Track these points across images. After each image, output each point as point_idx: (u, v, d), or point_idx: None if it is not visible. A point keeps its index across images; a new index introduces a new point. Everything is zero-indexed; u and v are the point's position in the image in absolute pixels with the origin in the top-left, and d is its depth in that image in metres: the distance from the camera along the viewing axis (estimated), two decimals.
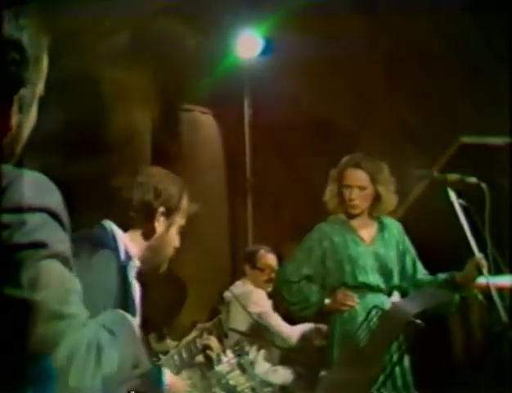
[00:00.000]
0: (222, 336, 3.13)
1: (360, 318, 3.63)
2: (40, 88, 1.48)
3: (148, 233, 2.64)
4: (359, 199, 4.05)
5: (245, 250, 5.92)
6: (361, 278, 4.01)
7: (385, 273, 4.07)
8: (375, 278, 4.03)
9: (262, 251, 5.47)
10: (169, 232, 2.68)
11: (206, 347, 2.98)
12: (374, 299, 3.95)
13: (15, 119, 1.40)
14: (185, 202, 2.73)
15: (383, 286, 4.05)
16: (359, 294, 4.00)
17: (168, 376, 2.58)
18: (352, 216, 4.11)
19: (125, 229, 2.62)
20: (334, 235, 4.08)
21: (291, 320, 5.08)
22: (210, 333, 3.01)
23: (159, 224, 2.65)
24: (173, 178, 2.75)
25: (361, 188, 4.04)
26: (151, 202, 2.63)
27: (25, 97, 1.41)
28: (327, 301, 4.05)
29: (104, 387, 1.28)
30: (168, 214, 2.66)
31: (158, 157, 6.15)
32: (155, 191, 2.64)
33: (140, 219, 2.63)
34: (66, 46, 4.99)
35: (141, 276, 2.64)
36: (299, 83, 6.70)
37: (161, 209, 2.65)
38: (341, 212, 4.14)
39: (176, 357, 2.80)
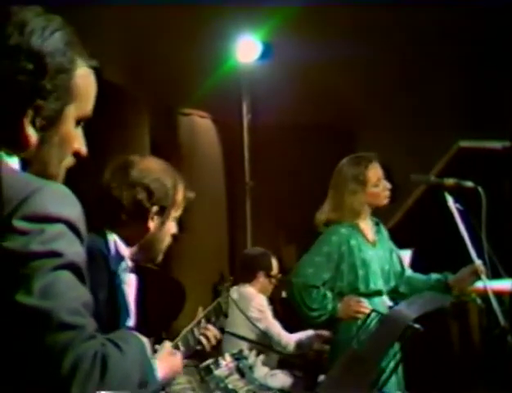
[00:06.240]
0: (221, 320, 2.91)
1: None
2: (80, 106, 1.45)
3: (141, 233, 2.52)
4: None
5: (252, 254, 5.39)
6: (372, 285, 3.94)
7: (385, 275, 4.04)
8: (380, 282, 4.01)
9: (273, 259, 5.21)
10: (164, 227, 2.56)
11: (203, 334, 2.76)
12: (380, 302, 3.93)
13: (33, 135, 1.38)
14: (180, 195, 2.59)
15: (384, 289, 4.03)
16: (368, 298, 3.92)
17: (160, 368, 2.31)
18: (367, 214, 4.04)
19: (115, 228, 2.49)
20: (350, 238, 3.97)
21: (291, 326, 5.08)
22: (209, 320, 2.82)
23: (153, 223, 2.52)
24: (167, 172, 2.57)
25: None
26: (143, 203, 2.49)
27: (45, 110, 1.38)
28: (338, 308, 3.91)
29: None
30: (162, 211, 2.53)
31: None
32: (148, 191, 2.49)
33: (131, 219, 2.49)
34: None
35: (137, 271, 2.55)
36: (298, 87, 6.71)
37: (154, 208, 2.51)
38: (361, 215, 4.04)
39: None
